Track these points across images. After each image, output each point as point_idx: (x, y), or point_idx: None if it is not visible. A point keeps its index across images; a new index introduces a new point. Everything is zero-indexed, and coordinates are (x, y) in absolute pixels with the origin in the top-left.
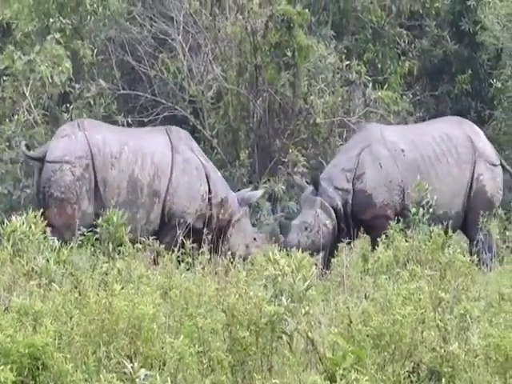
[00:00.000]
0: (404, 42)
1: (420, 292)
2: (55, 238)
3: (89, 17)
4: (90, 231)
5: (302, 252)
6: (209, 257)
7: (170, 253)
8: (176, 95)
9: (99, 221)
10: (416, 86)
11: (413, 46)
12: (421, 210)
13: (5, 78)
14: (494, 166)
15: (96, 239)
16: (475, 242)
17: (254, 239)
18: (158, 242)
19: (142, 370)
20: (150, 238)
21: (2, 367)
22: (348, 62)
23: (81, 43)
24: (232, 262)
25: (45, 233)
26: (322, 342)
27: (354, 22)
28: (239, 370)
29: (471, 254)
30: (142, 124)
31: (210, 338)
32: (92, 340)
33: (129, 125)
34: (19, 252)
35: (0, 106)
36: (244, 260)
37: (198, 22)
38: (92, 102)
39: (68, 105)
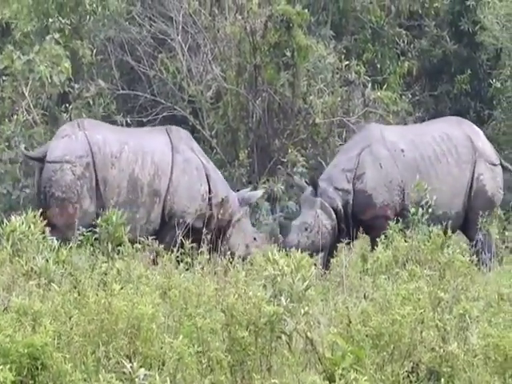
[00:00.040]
0: (403, 42)
1: (419, 292)
2: (54, 238)
3: (88, 17)
4: (89, 231)
5: (302, 252)
6: (208, 257)
7: (170, 253)
8: (175, 95)
9: (98, 221)
10: (415, 86)
11: (412, 46)
12: (420, 210)
13: (4, 77)
14: (494, 165)
15: (95, 239)
16: (475, 242)
17: (254, 239)
18: (159, 241)
19: (142, 369)
20: (151, 237)
21: (1, 367)
22: (347, 62)
23: (80, 43)
24: (231, 262)
25: (44, 233)
26: (321, 342)
27: (354, 22)
28: (238, 370)
29: (473, 254)
30: (141, 124)
31: (209, 337)
32: (91, 340)
33: (128, 125)
34: (18, 252)
35: None
36: (243, 260)
37: (198, 22)
38: (91, 102)
39: (67, 105)
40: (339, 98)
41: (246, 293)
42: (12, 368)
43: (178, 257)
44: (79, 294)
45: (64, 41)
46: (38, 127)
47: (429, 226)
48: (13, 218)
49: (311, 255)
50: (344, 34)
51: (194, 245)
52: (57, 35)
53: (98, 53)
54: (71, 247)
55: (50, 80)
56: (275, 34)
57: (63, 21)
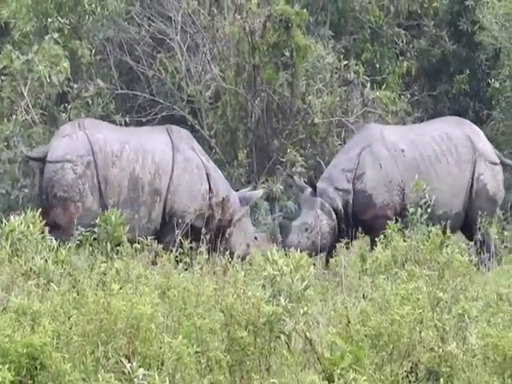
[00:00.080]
0: (402, 41)
1: (418, 292)
2: (53, 238)
3: (87, 17)
4: (88, 231)
5: (301, 252)
6: (207, 257)
7: (169, 253)
8: (174, 95)
9: (97, 220)
10: (414, 86)
11: (411, 45)
12: (419, 209)
13: (3, 77)
14: (495, 164)
15: (94, 239)
16: (474, 242)
17: (255, 239)
18: (160, 241)
19: (141, 369)
20: (151, 237)
21: (0, 367)
22: (346, 62)
23: (79, 43)
24: (230, 262)
25: (43, 232)
26: (320, 342)
27: (352, 22)
28: (237, 370)
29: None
30: (140, 124)
31: (208, 337)
32: (90, 340)
33: (127, 124)
34: (17, 252)
35: None
36: (242, 260)
37: (196, 21)
38: (90, 102)
39: (66, 104)
40: (338, 98)
41: (245, 293)
42: (11, 368)
43: (177, 257)
44: (78, 294)
45: (63, 41)
46: (37, 127)
47: (428, 225)
48: (12, 217)
49: (310, 255)
50: (343, 34)
51: (194, 244)
52: (56, 35)
53: (97, 53)
54: (70, 247)
55: (48, 80)
56: (274, 34)
57: (62, 21)
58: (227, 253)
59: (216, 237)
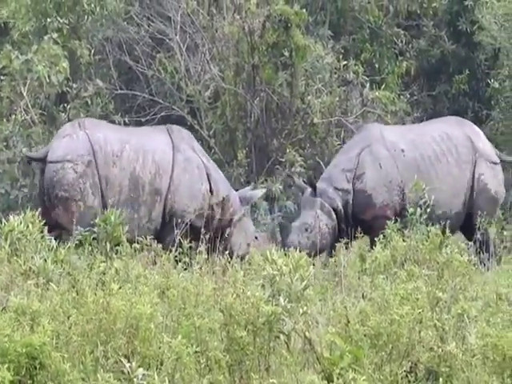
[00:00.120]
0: (401, 41)
1: (417, 292)
2: (52, 238)
3: (86, 16)
4: (87, 230)
5: (300, 252)
6: (206, 256)
7: (168, 252)
8: (173, 95)
9: (97, 220)
10: (413, 86)
11: (410, 45)
12: (418, 209)
13: (2, 77)
14: (495, 164)
15: (93, 239)
16: (473, 242)
17: (256, 238)
18: (160, 240)
19: (140, 369)
20: (152, 237)
21: None
22: (345, 62)
23: (78, 43)
24: (229, 262)
25: (42, 232)
26: (320, 342)
27: (352, 22)
28: (237, 370)
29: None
30: (139, 124)
31: (208, 337)
32: (89, 339)
33: (126, 124)
34: (17, 251)
35: None
36: (241, 259)
37: (196, 21)
38: (89, 102)
39: (65, 104)
40: (337, 98)
41: (245, 292)
42: (10, 367)
43: (176, 256)
44: (77, 294)
45: (62, 40)
46: (36, 127)
47: (427, 225)
48: (11, 217)
49: (310, 255)
50: (342, 34)
51: (194, 244)
52: (55, 35)
53: (96, 53)
54: (69, 247)
55: (48, 80)
56: (273, 34)
57: (61, 20)
58: (226, 252)
59: (216, 237)
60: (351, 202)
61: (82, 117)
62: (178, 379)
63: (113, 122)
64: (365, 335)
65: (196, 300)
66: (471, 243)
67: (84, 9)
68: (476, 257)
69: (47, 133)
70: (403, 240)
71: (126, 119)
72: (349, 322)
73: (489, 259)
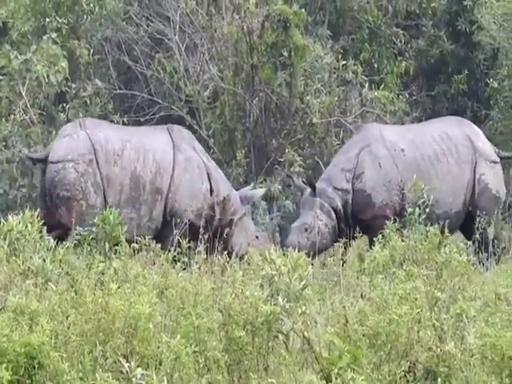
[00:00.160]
0: (400, 41)
1: (416, 292)
2: (51, 238)
3: (85, 16)
4: (86, 230)
5: (299, 252)
6: (205, 256)
7: (167, 252)
8: (172, 95)
9: (95, 220)
10: (412, 86)
11: (409, 45)
12: (417, 209)
13: (1, 77)
14: (495, 163)
15: (92, 238)
16: (472, 242)
17: (257, 238)
18: (161, 240)
19: (139, 369)
20: (152, 236)
21: None
22: (344, 62)
23: (77, 43)
24: (228, 262)
25: (41, 232)
26: (318, 342)
27: (351, 22)
28: (235, 370)
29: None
30: (138, 124)
31: (207, 337)
32: (88, 339)
33: (125, 124)
34: (15, 251)
35: None
36: (241, 259)
37: (195, 21)
38: (88, 102)
39: (64, 104)
40: (336, 98)
41: (243, 292)
42: (9, 367)
43: (174, 256)
44: (76, 294)
45: (61, 40)
46: (35, 127)
47: (427, 225)
48: (10, 217)
49: (309, 255)
50: (341, 34)
51: (193, 244)
52: (54, 35)
53: (95, 52)
54: (68, 247)
55: (47, 80)
56: (272, 34)
57: (60, 20)
58: (226, 252)
59: (215, 236)
60: (350, 201)
61: (80, 117)
62: (176, 379)
63: (112, 122)
64: (363, 335)
65: (195, 300)
66: (470, 243)
67: (83, 9)
68: (475, 257)
69: (46, 133)
70: (402, 240)
71: (125, 119)
72: (347, 321)
73: (488, 259)
